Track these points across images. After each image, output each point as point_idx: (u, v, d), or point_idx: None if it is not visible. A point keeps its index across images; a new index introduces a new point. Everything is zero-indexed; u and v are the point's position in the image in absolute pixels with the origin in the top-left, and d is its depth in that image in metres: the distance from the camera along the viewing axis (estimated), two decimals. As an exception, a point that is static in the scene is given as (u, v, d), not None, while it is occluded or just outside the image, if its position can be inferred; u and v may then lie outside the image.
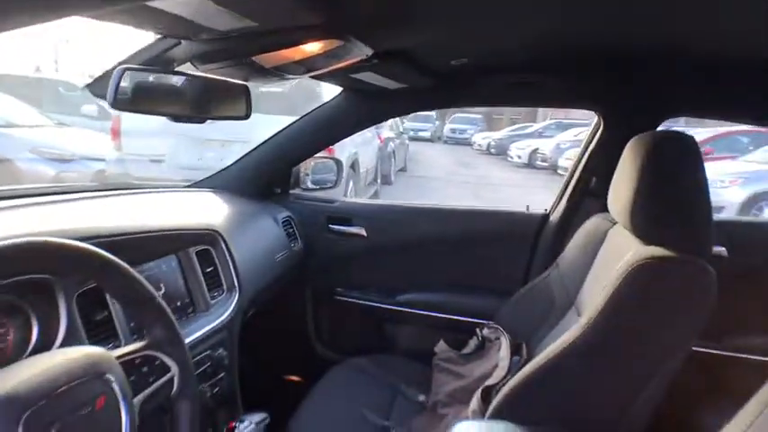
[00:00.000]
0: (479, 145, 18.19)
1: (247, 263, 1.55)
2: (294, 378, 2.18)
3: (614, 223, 1.34)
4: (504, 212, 1.98)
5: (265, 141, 2.00)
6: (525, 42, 1.33)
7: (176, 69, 1.12)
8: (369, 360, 1.82)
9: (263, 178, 2.02)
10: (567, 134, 13.68)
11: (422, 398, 1.68)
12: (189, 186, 1.96)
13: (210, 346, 1.30)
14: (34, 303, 0.87)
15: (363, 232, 2.01)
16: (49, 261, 0.76)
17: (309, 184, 2.16)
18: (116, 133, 4.82)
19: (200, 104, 1.18)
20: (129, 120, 4.84)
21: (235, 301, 1.42)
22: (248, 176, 1.99)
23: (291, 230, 1.96)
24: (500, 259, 1.90)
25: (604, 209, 1.30)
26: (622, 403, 1.08)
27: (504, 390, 1.17)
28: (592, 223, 1.46)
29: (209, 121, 1.28)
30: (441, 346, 1.78)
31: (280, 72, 1.13)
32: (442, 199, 7.89)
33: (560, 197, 1.89)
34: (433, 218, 1.99)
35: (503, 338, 1.59)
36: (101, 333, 1.03)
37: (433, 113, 20.13)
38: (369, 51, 1.17)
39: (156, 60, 1.09)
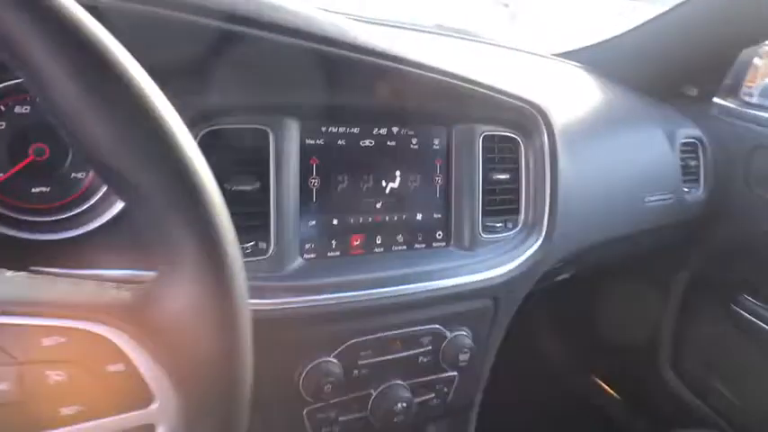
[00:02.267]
0: None
1: (587, 190, 0.82)
2: (611, 392, 1.41)
3: None
4: None
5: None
6: None
7: None
8: None
9: (674, 69, 1.15)
10: None
11: None
12: (555, 55, 1.27)
13: (446, 318, 0.67)
14: None
15: None
16: None
17: (755, 98, 1.17)
18: None
19: None
20: None
21: (534, 249, 0.72)
22: (645, 59, 1.16)
23: (694, 164, 1.07)
24: None
25: None
26: None
27: None
28: None
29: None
30: None
31: None
32: None
33: None
34: None
35: None
36: None
37: None
38: None
39: None
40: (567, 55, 1.27)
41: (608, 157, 0.91)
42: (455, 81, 0.63)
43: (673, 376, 1.25)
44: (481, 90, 0.65)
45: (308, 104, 0.57)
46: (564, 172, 0.76)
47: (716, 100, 1.17)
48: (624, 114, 1.03)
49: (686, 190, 1.05)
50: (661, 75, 1.16)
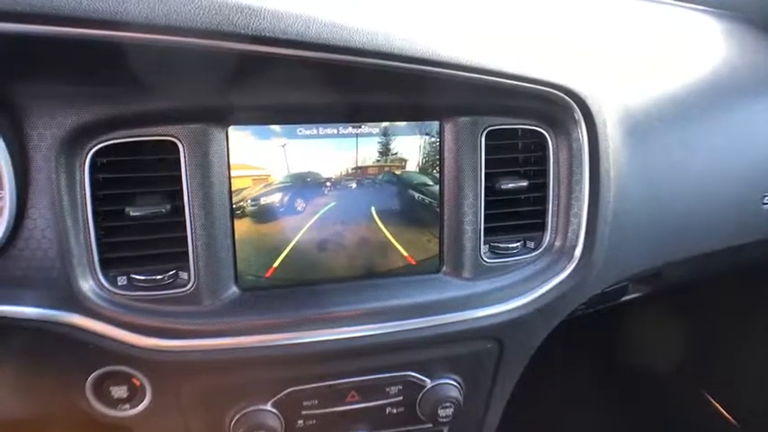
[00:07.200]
0: None
1: (662, 194, 0.61)
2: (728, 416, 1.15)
3: None
4: None
5: None
6: None
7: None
8: None
9: None
10: None
11: None
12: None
13: (426, 363, 0.54)
14: None
15: None
16: None
17: None
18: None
19: None
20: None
21: (562, 277, 0.55)
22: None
23: None
24: None
25: None
26: None
27: None
28: None
29: None
30: None
31: None
32: None
33: None
34: None
35: None
36: None
37: None
38: None
39: None
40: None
41: (706, 144, 0.67)
42: (436, 69, 0.46)
43: None
44: (474, 76, 0.48)
45: (233, 107, 0.46)
46: (622, 172, 0.56)
47: None
48: (747, 80, 0.75)
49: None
50: None
